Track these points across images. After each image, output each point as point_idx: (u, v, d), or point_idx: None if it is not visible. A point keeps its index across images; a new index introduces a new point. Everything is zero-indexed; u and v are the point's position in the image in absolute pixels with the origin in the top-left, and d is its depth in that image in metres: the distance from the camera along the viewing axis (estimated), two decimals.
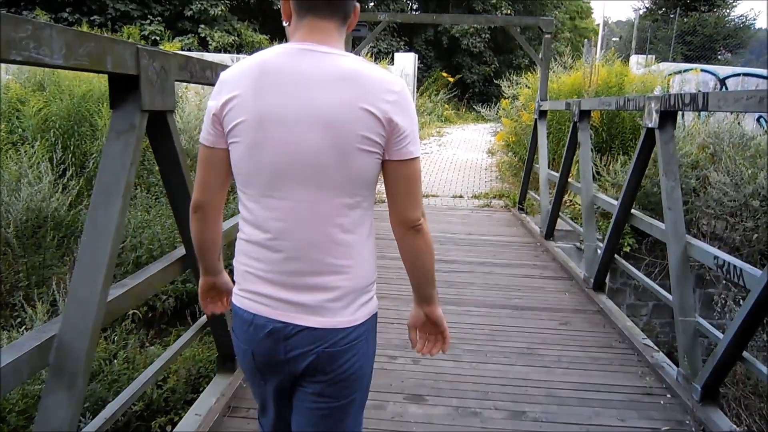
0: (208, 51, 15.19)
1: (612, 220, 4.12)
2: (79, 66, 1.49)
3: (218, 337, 2.86)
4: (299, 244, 1.31)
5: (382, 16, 6.77)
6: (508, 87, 12.01)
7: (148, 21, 14.84)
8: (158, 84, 1.91)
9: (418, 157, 1.36)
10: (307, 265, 1.32)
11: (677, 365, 3.10)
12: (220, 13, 15.85)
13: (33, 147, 7.53)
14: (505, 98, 11.85)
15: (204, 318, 2.81)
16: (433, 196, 8.79)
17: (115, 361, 4.88)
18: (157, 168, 8.08)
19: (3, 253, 6.25)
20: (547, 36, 7.09)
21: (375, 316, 1.47)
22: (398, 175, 1.35)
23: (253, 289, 1.36)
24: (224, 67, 2.58)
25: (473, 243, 5.97)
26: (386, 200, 1.44)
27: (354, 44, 7.20)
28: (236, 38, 16.10)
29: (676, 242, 3.18)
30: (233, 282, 1.45)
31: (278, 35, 16.87)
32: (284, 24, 1.38)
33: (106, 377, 4.70)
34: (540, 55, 7.24)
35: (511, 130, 10.13)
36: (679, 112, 3.75)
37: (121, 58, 1.68)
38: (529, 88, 10.73)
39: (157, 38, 14.26)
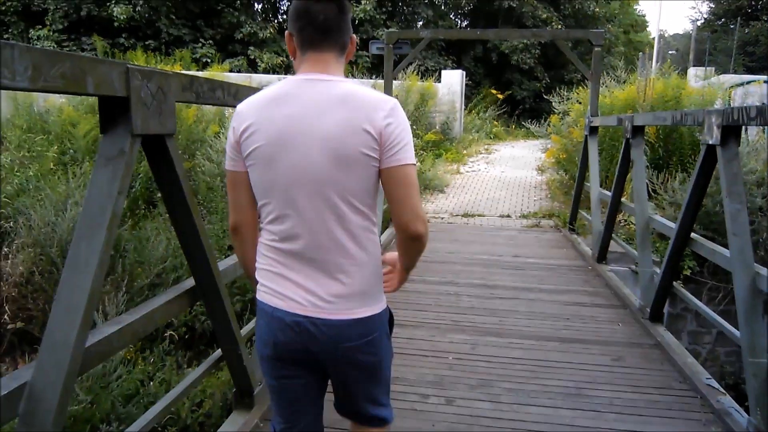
0: (257, 72, 15.38)
1: (670, 245, 3.76)
2: (50, 88, 1.33)
3: (234, 370, 2.67)
4: (311, 248, 1.51)
5: (424, 33, 6.59)
6: (559, 103, 11.63)
7: (200, 44, 15.16)
8: (154, 106, 1.76)
9: (411, 164, 1.50)
10: (319, 266, 1.52)
11: (747, 411, 2.73)
12: (269, 35, 16.07)
13: (81, 168, 7.67)
14: (555, 114, 11.47)
15: (218, 352, 2.63)
16: (479, 215, 8.49)
17: (152, 383, 4.80)
18: (192, 187, 8.11)
19: (49, 272, 6.32)
20: (597, 49, 6.75)
21: (387, 309, 1.67)
22: (393, 180, 1.48)
23: (277, 289, 1.55)
24: (241, 87, 2.44)
25: (519, 266, 5.65)
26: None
27: (396, 63, 7.04)
28: (284, 59, 16.25)
29: (744, 272, 2.83)
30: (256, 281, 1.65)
31: None
32: (292, 59, 1.59)
33: (142, 399, 4.62)
34: (590, 70, 6.89)
35: (561, 147, 9.75)
36: (743, 127, 3.39)
37: (105, 79, 1.53)
38: (580, 103, 10.34)
39: (208, 60, 14.55)
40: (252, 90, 2.52)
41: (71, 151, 8.28)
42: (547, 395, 3.03)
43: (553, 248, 6.54)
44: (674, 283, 3.93)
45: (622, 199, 5.43)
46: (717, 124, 3.08)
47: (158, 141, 1.87)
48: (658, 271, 4.26)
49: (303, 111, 1.46)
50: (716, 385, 3.15)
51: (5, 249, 6.28)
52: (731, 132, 3.04)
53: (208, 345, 5.94)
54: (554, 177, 10.16)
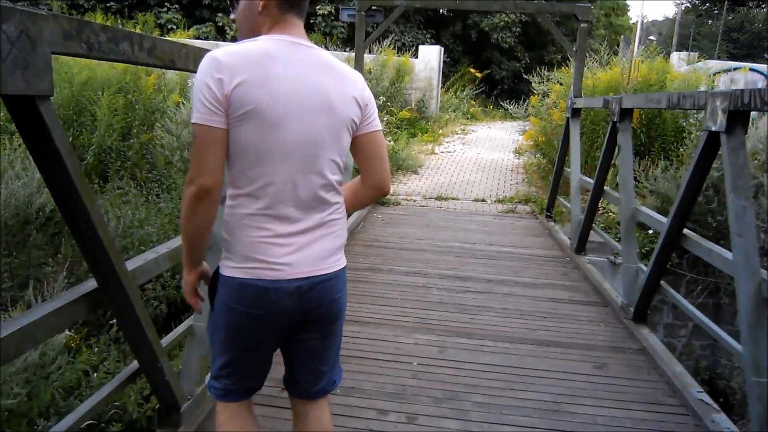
0: (225, 40, 14.68)
1: (659, 241, 3.41)
2: None
3: (155, 384, 2.24)
4: (301, 210, 1.51)
5: (399, 1, 6.11)
6: (539, 83, 11.25)
7: (165, 9, 14.37)
8: (13, 56, 1.30)
9: (381, 130, 1.65)
10: (312, 226, 1.54)
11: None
12: None
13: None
14: (534, 95, 11.10)
15: (134, 365, 2.20)
16: (453, 198, 8.10)
17: (95, 375, 4.40)
18: (148, 161, 7.58)
19: None
20: (583, 25, 6.35)
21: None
22: (371, 144, 1.61)
23: (278, 260, 1.49)
24: (161, 42, 1.97)
25: (493, 256, 5.28)
26: (360, 172, 1.67)
27: (368, 31, 6.55)
28: None
29: (749, 278, 2.48)
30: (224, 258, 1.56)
31: None
32: (258, 11, 1.51)
33: (85, 391, 4.22)
34: (574, 47, 6.49)
35: (540, 130, 9.39)
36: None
37: None
38: (561, 84, 9.97)
39: (174, 26, 13.80)
40: (179, 46, 2.06)
41: None
42: (521, 411, 2.66)
43: (529, 236, 6.19)
44: (662, 282, 3.58)
45: (605, 188, 5.07)
46: (722, 108, 2.70)
47: (25, 105, 1.41)
48: (642, 267, 3.93)
49: (304, 75, 1.47)
50: (709, 400, 2.82)
51: None
52: (738, 118, 2.66)
53: (163, 330, 5.51)
54: (532, 160, 9.80)
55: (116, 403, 4.00)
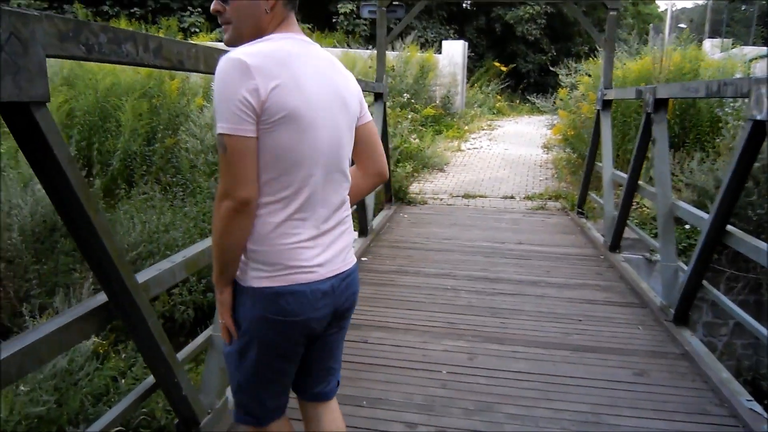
0: None
1: (701, 239, 3.22)
2: None
3: (173, 399, 2.15)
4: (327, 209, 1.51)
5: None
6: (567, 75, 10.99)
7: (188, 13, 14.44)
8: (5, 61, 1.21)
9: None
10: (334, 223, 1.54)
11: None
12: None
13: None
14: (562, 88, 10.84)
15: (151, 379, 2.11)
16: (481, 196, 7.93)
17: (123, 381, 4.38)
18: (173, 165, 7.57)
19: (9, 261, 5.82)
20: (612, 13, 6.12)
21: None
22: (369, 134, 1.65)
23: (311, 263, 1.47)
24: (168, 42, 1.87)
25: (524, 255, 5.11)
26: (356, 163, 1.69)
27: (390, 28, 6.42)
28: None
29: None
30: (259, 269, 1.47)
31: (319, 25, 16.24)
32: (266, 8, 1.45)
33: (113, 398, 4.21)
34: (603, 36, 6.27)
35: (569, 123, 9.16)
36: None
37: None
38: (589, 76, 9.71)
39: (197, 30, 13.84)
40: (188, 46, 1.96)
41: None
42: (558, 423, 2.51)
43: (560, 234, 5.99)
44: (704, 283, 3.39)
45: (639, 182, 4.86)
46: None
47: (19, 112, 1.31)
48: (683, 266, 3.73)
49: (322, 74, 1.47)
50: (760, 409, 2.63)
51: None
52: None
53: (190, 335, 5.48)
54: (561, 155, 9.56)
55: (144, 410, 3.97)
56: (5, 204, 5.89)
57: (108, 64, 8.20)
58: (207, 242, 2.39)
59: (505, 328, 3.49)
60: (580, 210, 6.82)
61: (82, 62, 8.37)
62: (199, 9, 14.92)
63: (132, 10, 14.19)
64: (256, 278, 1.46)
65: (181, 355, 2.22)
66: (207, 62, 2.09)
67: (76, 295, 5.12)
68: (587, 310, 3.84)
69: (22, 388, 4.05)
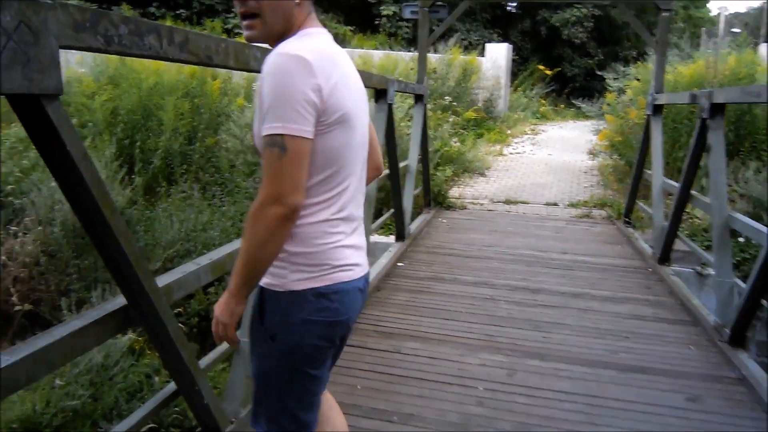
0: None
1: (762, 254, 2.98)
2: None
3: (195, 407, 2.06)
4: (357, 209, 1.52)
5: None
6: (614, 79, 10.67)
7: (232, 14, 14.60)
8: (11, 49, 1.12)
9: None
10: (359, 224, 1.54)
11: None
12: None
13: (94, 142, 7.23)
14: (610, 92, 10.52)
15: (171, 386, 2.02)
16: (522, 202, 7.70)
17: (157, 378, 4.38)
18: (213, 165, 7.59)
19: (51, 255, 5.90)
20: (664, 14, 5.85)
21: None
22: (370, 130, 1.59)
23: (350, 261, 1.46)
24: (195, 36, 1.79)
25: (568, 265, 4.89)
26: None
27: (432, 29, 6.28)
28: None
29: None
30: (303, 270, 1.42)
31: (362, 27, 16.20)
32: (296, 1, 1.38)
33: (146, 396, 4.21)
34: (655, 38, 5.99)
35: (616, 129, 8.85)
36: None
37: None
38: (638, 80, 9.38)
39: (241, 31, 13.94)
40: (217, 40, 1.87)
41: (90, 123, 7.84)
42: None
43: (606, 244, 5.74)
44: (763, 300, 3.14)
45: (692, 192, 4.60)
46: None
47: (30, 105, 1.23)
48: (740, 283, 3.49)
49: (353, 72, 1.46)
50: None
51: (14, 227, 5.88)
52: None
53: None
54: (607, 162, 9.24)
55: (176, 409, 3.94)
56: (48, 199, 5.98)
57: (153, 64, 8.32)
58: (235, 244, 2.30)
59: (546, 343, 3.31)
60: (627, 219, 6.55)
61: (126, 61, 8.52)
62: None
63: (177, 12, 14.43)
64: (299, 281, 1.40)
65: (204, 361, 2.13)
66: (238, 58, 2.00)
67: (114, 291, 5.13)
68: (635, 326, 3.62)
69: (59, 381, 4.09)
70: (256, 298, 1.49)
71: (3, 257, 5.27)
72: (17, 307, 5.26)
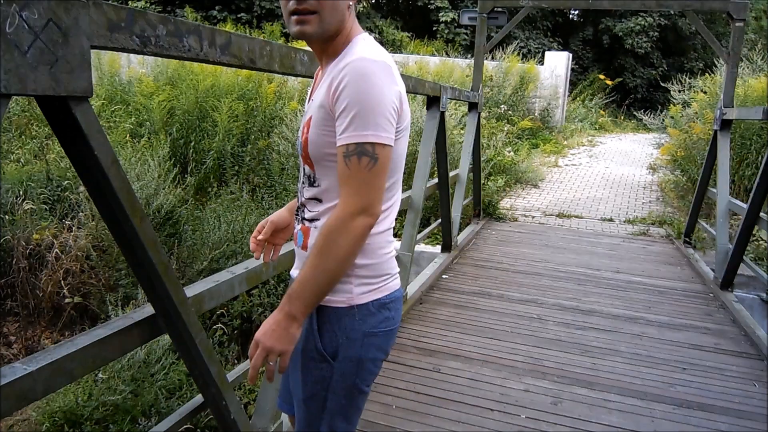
0: None
1: None
2: None
3: (222, 422, 1.99)
4: None
5: (524, 1, 5.65)
6: (679, 91, 10.23)
7: None
8: (38, 49, 1.08)
9: None
10: None
11: None
12: (362, 9, 15.43)
13: (149, 141, 7.38)
14: (673, 105, 10.09)
15: (198, 398, 1.96)
16: (576, 216, 7.44)
17: None
18: (264, 167, 7.62)
19: (103, 250, 6.04)
20: (738, 24, 5.52)
21: None
22: None
23: (397, 268, 1.46)
24: (237, 38, 1.73)
25: (621, 286, 4.66)
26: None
27: (489, 35, 6.13)
28: (377, 36, 15.59)
29: None
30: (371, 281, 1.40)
31: (419, 33, 16.13)
32: (350, 3, 1.34)
33: (185, 394, 4.24)
34: (727, 49, 5.68)
35: (679, 143, 8.46)
36: None
37: None
38: (705, 93, 8.95)
39: None
40: (261, 43, 1.81)
41: (147, 122, 8.02)
42: None
43: (664, 264, 5.46)
44: None
45: (762, 214, 4.31)
46: None
47: (57, 107, 1.19)
48: None
49: None
50: None
51: (68, 221, 6.05)
52: None
53: None
54: (668, 177, 8.85)
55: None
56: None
57: (211, 66, 8.45)
58: None
59: (596, 371, 3.12)
60: (687, 239, 6.22)
61: (185, 63, 8.68)
62: None
63: (239, 15, 14.68)
64: (364, 293, 1.37)
65: (232, 375, 2.06)
66: (283, 62, 1.94)
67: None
68: (693, 356, 3.39)
69: (101, 375, 4.14)
70: (311, 319, 1.39)
71: (56, 250, 5.39)
72: (67, 300, 5.38)
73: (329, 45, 1.33)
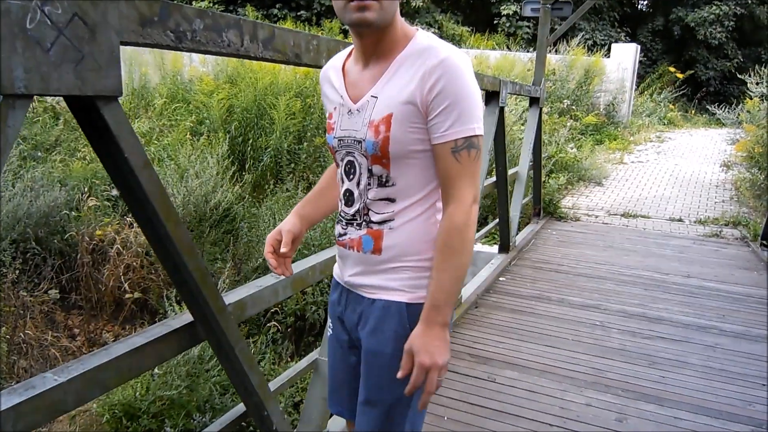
0: None
1: None
2: None
3: (265, 430, 1.92)
4: None
5: None
6: (757, 84, 9.63)
7: None
8: (62, 46, 1.02)
9: None
10: None
11: None
12: (421, 4, 15.25)
13: (209, 139, 7.49)
14: (750, 98, 9.51)
15: (241, 407, 1.90)
16: (642, 216, 7.09)
17: None
18: (320, 164, 7.60)
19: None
20: None
21: None
22: None
23: None
24: (281, 31, 1.65)
25: (692, 292, 4.37)
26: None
27: (553, 27, 5.89)
28: (436, 30, 15.39)
29: None
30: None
31: (480, 27, 15.83)
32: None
33: (236, 393, 4.27)
34: None
35: (756, 139, 7.95)
36: None
37: None
38: None
39: None
40: (307, 37, 1.72)
41: (207, 120, 8.16)
42: None
43: (738, 269, 5.10)
44: None
45: None
46: None
47: (84, 107, 1.13)
48: None
49: None
50: None
51: (129, 218, 6.20)
52: None
53: (319, 335, 5.45)
54: (744, 175, 8.33)
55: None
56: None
57: (270, 64, 8.51)
58: (319, 257, 2.15)
59: (664, 385, 2.90)
60: (764, 242, 5.80)
61: (245, 62, 8.78)
62: None
63: (299, 13, 14.78)
64: (422, 296, 1.33)
65: (275, 383, 1.99)
66: (330, 56, 1.84)
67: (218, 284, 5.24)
68: None
69: (157, 371, 4.20)
70: (400, 317, 1.35)
71: (117, 246, 5.52)
72: (128, 295, 5.50)
73: (385, 37, 1.27)
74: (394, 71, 1.27)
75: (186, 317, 1.57)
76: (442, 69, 1.21)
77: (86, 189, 6.24)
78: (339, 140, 1.36)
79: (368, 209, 1.34)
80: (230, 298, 1.70)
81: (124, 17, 1.14)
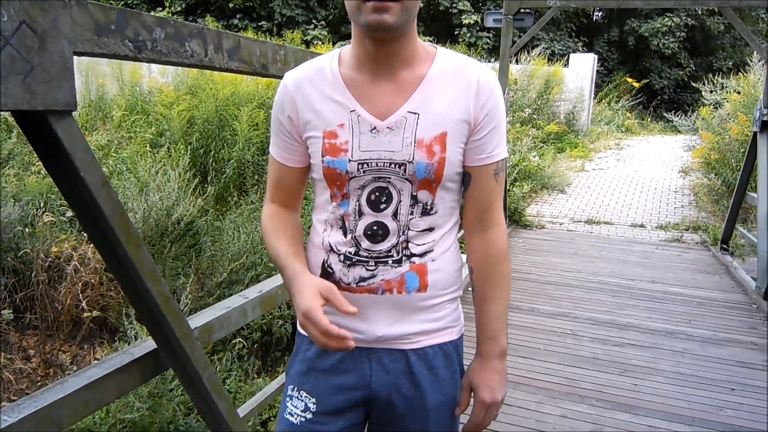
0: None
1: None
2: None
3: None
4: None
5: (552, 1, 5.44)
6: (710, 92, 9.91)
7: (312, 26, 14.68)
8: (11, 57, 0.93)
9: None
10: None
11: None
12: None
13: (169, 151, 7.31)
14: (704, 106, 9.77)
15: None
16: (606, 223, 7.19)
17: None
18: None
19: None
20: None
21: None
22: None
23: None
24: (246, 42, 1.58)
25: (658, 297, 4.42)
26: None
27: (514, 38, 5.94)
28: None
29: None
30: None
31: (441, 37, 15.96)
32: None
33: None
34: (766, 46, 5.40)
35: (712, 146, 8.15)
36: None
37: None
38: (739, 93, 8.63)
39: (320, 42, 14.02)
40: (273, 47, 1.66)
41: (167, 132, 7.97)
42: None
43: (701, 273, 5.19)
44: None
45: None
46: None
47: (34, 122, 1.04)
48: None
49: None
50: None
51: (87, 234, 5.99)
52: None
53: (286, 349, 5.33)
54: (701, 181, 8.55)
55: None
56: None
57: (229, 74, 8.39)
58: None
59: (637, 393, 2.90)
60: (724, 246, 5.93)
61: (205, 72, 8.63)
62: (323, 22, 15.18)
63: (259, 24, 14.66)
64: (460, 318, 1.30)
65: (243, 410, 1.90)
66: None
67: (177, 299, 5.09)
68: (742, 376, 3.15)
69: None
70: (452, 359, 1.24)
71: (75, 263, 5.31)
72: (86, 314, 5.30)
73: (406, 45, 1.12)
74: (432, 86, 1.12)
75: (148, 344, 1.48)
76: (490, 88, 1.13)
77: (42, 204, 6.01)
78: (360, 164, 1.12)
79: (408, 241, 1.16)
80: (196, 321, 1.61)
81: (78, 25, 1.05)
